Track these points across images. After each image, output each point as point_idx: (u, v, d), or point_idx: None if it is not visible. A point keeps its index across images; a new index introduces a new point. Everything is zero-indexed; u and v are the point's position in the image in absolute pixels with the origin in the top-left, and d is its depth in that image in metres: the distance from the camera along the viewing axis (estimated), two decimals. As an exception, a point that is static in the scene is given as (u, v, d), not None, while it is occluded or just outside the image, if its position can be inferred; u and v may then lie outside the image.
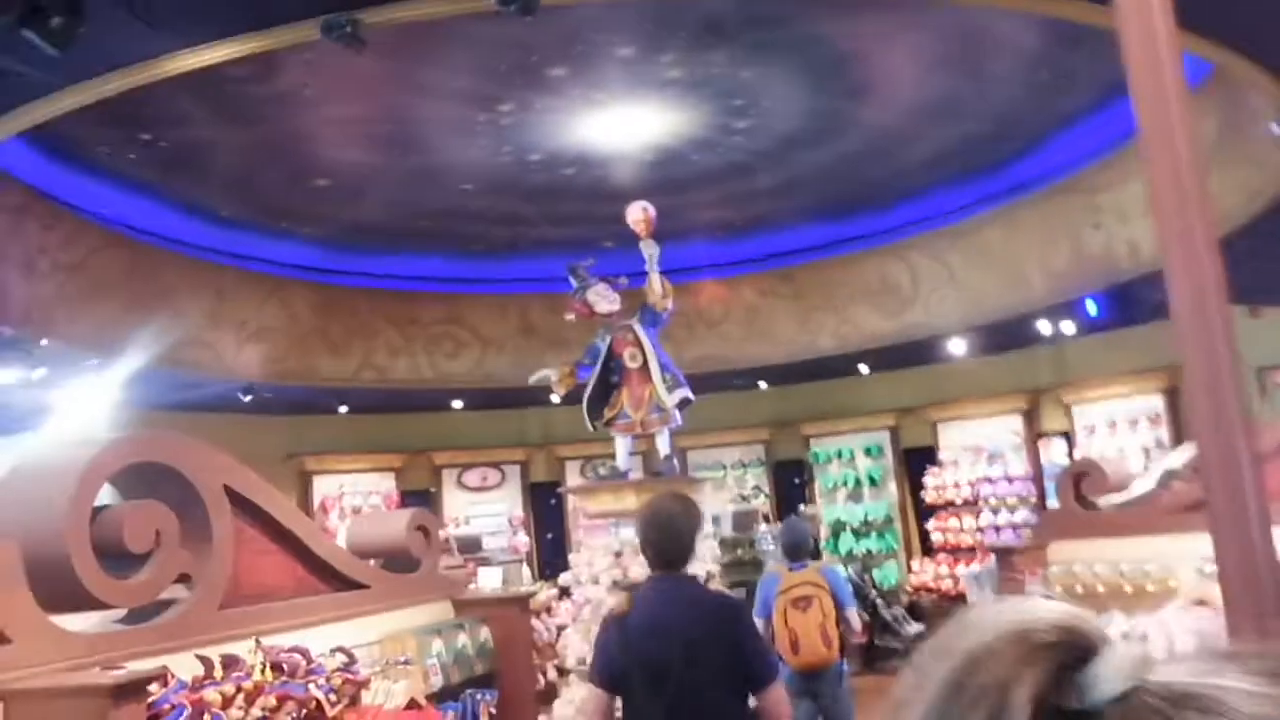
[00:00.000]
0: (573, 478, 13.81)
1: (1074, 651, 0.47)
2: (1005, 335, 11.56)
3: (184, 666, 2.59)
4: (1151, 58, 1.72)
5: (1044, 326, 10.83)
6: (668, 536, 3.48)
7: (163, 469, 2.85)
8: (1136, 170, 8.96)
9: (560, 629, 6.02)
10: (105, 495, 2.83)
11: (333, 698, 2.76)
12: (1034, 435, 12.64)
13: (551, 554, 14.17)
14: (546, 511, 14.57)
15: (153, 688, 2.33)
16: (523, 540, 14.30)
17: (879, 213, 11.11)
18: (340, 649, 2.96)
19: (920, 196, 10.62)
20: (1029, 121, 8.66)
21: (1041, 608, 0.49)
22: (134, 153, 7.85)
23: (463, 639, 3.90)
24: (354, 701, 2.93)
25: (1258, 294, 9.49)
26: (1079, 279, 9.83)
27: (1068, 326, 10.83)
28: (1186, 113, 1.79)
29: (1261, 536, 1.61)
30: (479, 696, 3.84)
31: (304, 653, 2.77)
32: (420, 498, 13.48)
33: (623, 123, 8.15)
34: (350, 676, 2.87)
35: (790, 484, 14.38)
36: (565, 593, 6.72)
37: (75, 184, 8.32)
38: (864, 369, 13.04)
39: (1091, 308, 9.95)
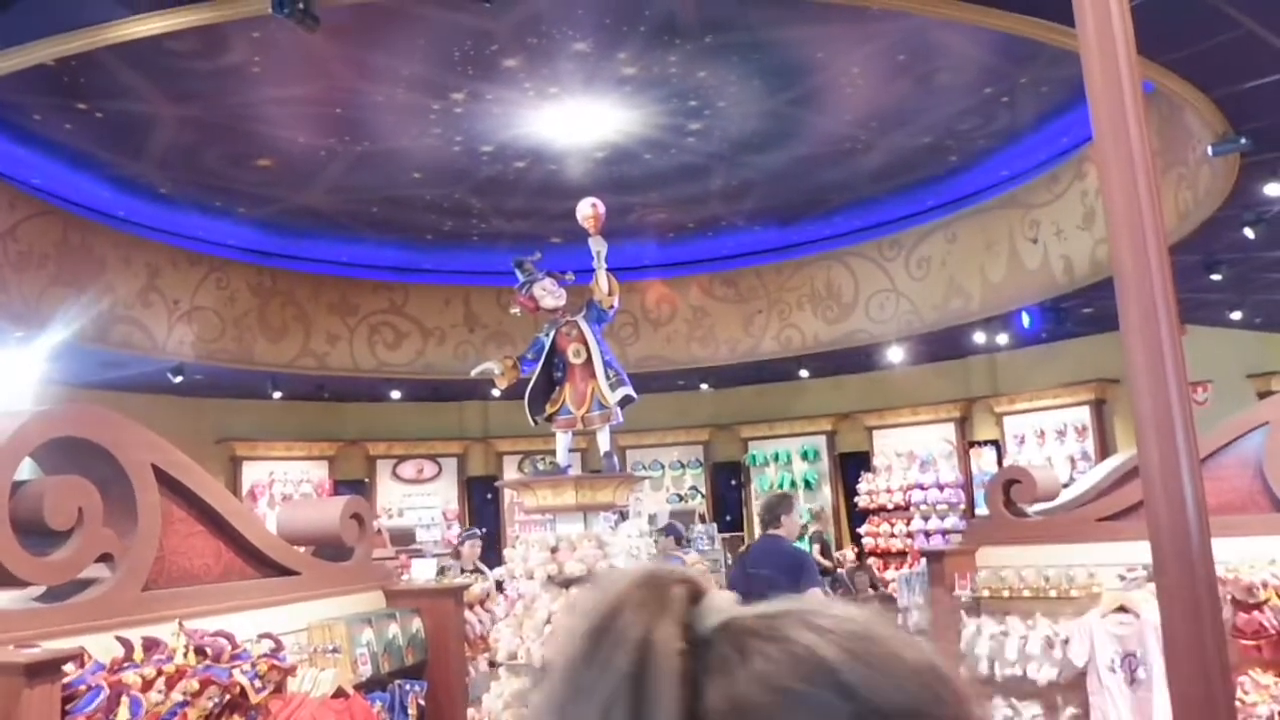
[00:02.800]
0: (510, 472, 13.74)
1: (694, 595, 0.57)
2: (942, 345, 11.77)
3: (103, 648, 2.52)
4: (1113, 85, 1.75)
5: (979, 337, 11.05)
6: (767, 513, 6.27)
7: (87, 445, 2.77)
8: (1074, 187, 9.19)
9: (493, 622, 5.96)
10: (28, 470, 2.74)
11: (257, 684, 2.70)
12: (965, 443, 12.89)
13: (486, 549, 14.06)
14: (482, 505, 14.47)
15: (69, 668, 2.26)
16: (457, 533, 14.17)
17: (825, 219, 11.23)
18: (267, 635, 2.90)
19: (866, 205, 10.76)
20: (974, 135, 8.82)
21: (660, 566, 0.60)
22: (70, 122, 7.62)
23: (393, 629, 3.85)
24: (280, 688, 2.87)
25: (1184, 312, 9.79)
26: (1015, 292, 10.05)
27: (1002, 338, 11.07)
28: (1145, 134, 1.82)
29: (1200, 544, 1.64)
30: (408, 687, 3.79)
31: (229, 637, 2.71)
32: (353, 488, 13.27)
33: (576, 118, 8.12)
34: (276, 663, 2.81)
35: (727, 485, 14.49)
36: (500, 587, 6.68)
37: (6, 151, 8.05)
38: (804, 374, 13.18)
39: (1026, 320, 10.17)
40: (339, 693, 3.26)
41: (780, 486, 13.99)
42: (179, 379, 10.59)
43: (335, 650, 3.35)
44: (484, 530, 13.42)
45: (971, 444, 12.88)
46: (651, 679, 0.53)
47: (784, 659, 0.53)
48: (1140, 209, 1.66)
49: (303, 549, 3.88)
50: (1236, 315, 9.89)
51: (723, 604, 0.57)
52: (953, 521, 12.27)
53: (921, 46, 6.98)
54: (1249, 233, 6.68)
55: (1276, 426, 4.05)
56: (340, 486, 13.35)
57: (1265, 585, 3.66)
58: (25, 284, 8.51)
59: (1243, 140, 5.44)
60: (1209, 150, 5.60)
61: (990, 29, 4.90)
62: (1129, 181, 1.66)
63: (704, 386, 13.97)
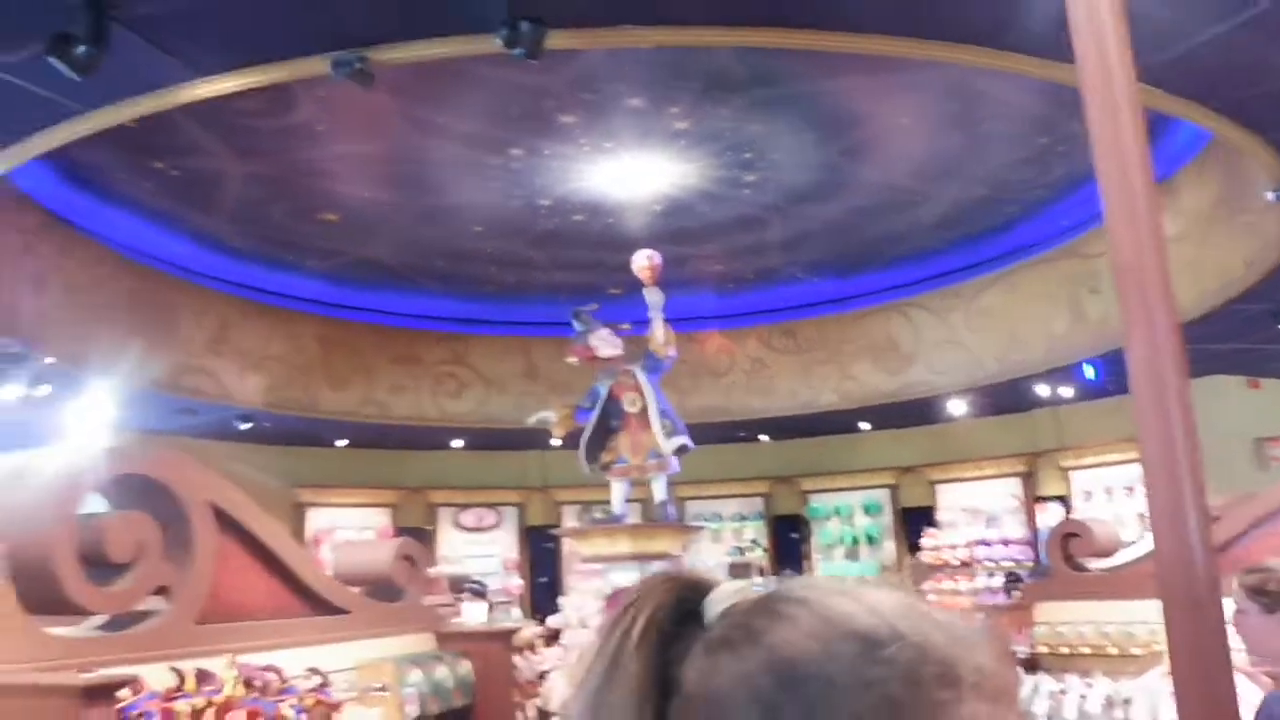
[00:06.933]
0: (570, 522, 13.77)
1: (689, 587, 0.60)
2: (1005, 397, 11.58)
3: (158, 677, 2.61)
4: (1114, 132, 1.76)
5: (1043, 390, 10.85)
6: None
7: (150, 482, 2.89)
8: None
9: (543, 672, 5.98)
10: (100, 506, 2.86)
11: (304, 718, 2.77)
12: (1031, 499, 12.60)
13: (544, 598, 14.08)
14: (541, 555, 14.51)
15: (125, 694, 2.35)
16: (516, 583, 14.21)
17: (884, 270, 11.20)
18: (314, 670, 2.97)
19: (924, 256, 10.71)
20: (1031, 185, 8.76)
21: (682, 570, 0.63)
22: (148, 180, 7.99)
23: (442, 671, 3.90)
24: (325, 723, 2.93)
25: (1253, 364, 9.53)
26: (1078, 343, 9.88)
27: (1066, 391, 10.86)
28: (1152, 192, 1.83)
29: (1212, 609, 1.61)
30: (455, 729, 3.83)
31: (277, 671, 2.78)
32: (415, 536, 13.41)
33: (632, 172, 8.27)
34: (322, 699, 2.87)
35: (788, 539, 14.33)
36: (555, 636, 6.69)
37: (91, 209, 8.46)
38: (865, 426, 13.05)
39: (1089, 372, 9.98)
40: (385, 731, 3.31)
41: (843, 541, 13.83)
42: (247, 426, 10.89)
43: (382, 689, 3.41)
44: (545, 579, 13.46)
45: (1037, 499, 12.59)
46: (621, 657, 0.57)
47: (750, 653, 0.55)
48: (1145, 270, 1.67)
49: (356, 589, 3.97)
50: (1312, 367, 9.59)
51: (725, 596, 0.59)
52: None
53: (972, 96, 7.00)
54: (1318, 281, 6.51)
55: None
56: (402, 534, 13.50)
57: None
58: (104, 335, 8.87)
59: (1306, 185, 5.35)
60: (1269, 196, 5.51)
61: (1037, 79, 4.91)
62: (1136, 245, 1.67)
63: (763, 438, 13.91)
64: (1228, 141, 5.09)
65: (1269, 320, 7.73)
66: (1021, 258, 10.51)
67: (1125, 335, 1.73)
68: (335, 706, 2.97)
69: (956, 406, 11.71)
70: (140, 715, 2.32)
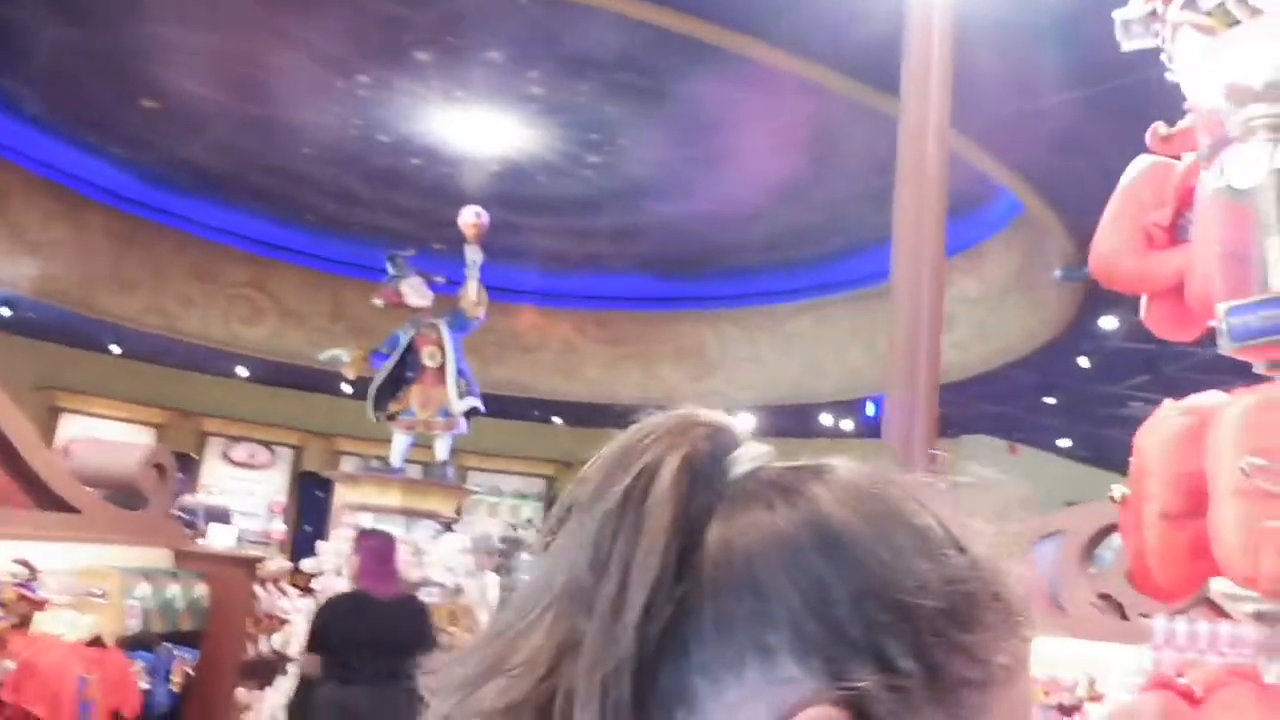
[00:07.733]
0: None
1: (721, 438, 0.54)
2: (791, 421, 12.06)
3: None
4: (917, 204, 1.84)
5: (827, 419, 11.37)
6: None
7: None
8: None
9: (285, 618, 5.72)
10: None
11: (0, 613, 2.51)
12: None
13: (307, 548, 13.54)
14: (311, 503, 13.97)
15: None
16: (279, 527, 13.61)
17: (704, 279, 11.45)
18: (22, 561, 2.71)
19: (746, 272, 11.02)
20: (861, 224, 9.15)
21: (703, 411, 0.57)
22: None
23: (174, 589, 3.65)
24: (25, 623, 2.67)
25: (1018, 429, 10.33)
26: (869, 381, 10.40)
27: (847, 424, 11.43)
28: (941, 268, 1.91)
29: None
30: (178, 653, 3.59)
31: (-23, 555, 2.51)
32: (180, 461, 12.64)
33: (478, 126, 8.09)
34: (26, 594, 2.62)
35: (564, 525, 14.42)
36: (305, 581, 6.43)
37: None
38: (658, 426, 13.28)
39: (870, 409, 10.53)
40: (96, 642, 3.06)
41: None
42: (6, 312, 9.94)
43: (101, 596, 3.15)
44: (311, 528, 12.92)
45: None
46: (645, 505, 0.50)
47: (788, 513, 0.50)
48: (919, 339, 1.74)
49: (95, 491, 3.66)
50: (1065, 443, 10.48)
51: (754, 453, 0.54)
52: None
53: (826, 127, 7.25)
54: (1083, 362, 7.12)
55: (1071, 535, 4.27)
56: (163, 457, 12.68)
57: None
58: None
59: (1087, 270, 5.81)
60: (1056, 275, 5.97)
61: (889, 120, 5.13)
62: (917, 310, 1.75)
63: (557, 420, 13.94)
64: (1032, 214, 5.48)
65: (1038, 390, 8.40)
66: (837, 291, 10.97)
67: (889, 375, 1.82)
68: (39, 604, 2.71)
69: (745, 421, 12.09)
70: None
